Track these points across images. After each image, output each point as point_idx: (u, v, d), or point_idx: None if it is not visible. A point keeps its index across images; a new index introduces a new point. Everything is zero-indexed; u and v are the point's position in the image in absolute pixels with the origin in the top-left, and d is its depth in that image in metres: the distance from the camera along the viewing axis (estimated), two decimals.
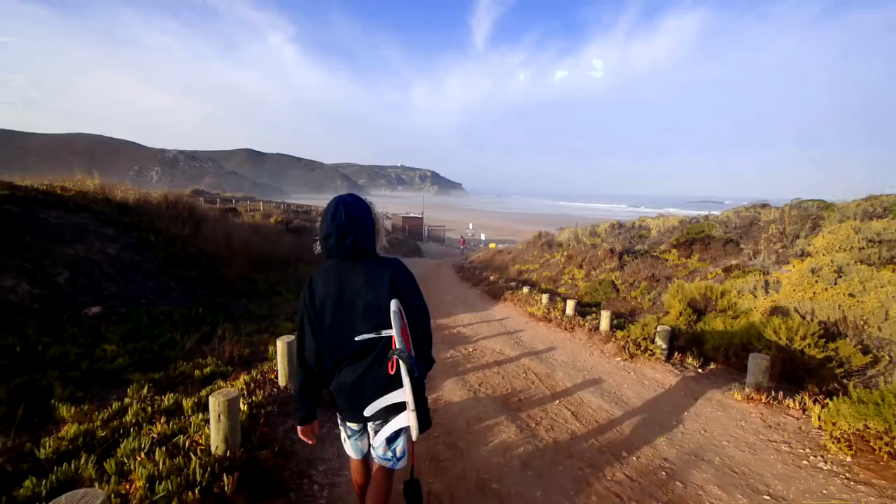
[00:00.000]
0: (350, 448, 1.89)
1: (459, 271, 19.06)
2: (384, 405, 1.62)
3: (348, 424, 1.82)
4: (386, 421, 1.69)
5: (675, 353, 5.01)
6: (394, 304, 1.58)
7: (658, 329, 5.01)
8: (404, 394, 1.52)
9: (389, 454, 1.76)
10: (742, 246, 10.58)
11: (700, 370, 4.73)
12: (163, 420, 2.97)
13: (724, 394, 4.06)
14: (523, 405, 3.97)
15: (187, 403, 3.31)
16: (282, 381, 3.80)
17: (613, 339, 5.67)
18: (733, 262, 9.64)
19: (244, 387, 3.67)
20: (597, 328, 6.24)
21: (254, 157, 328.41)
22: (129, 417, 3.07)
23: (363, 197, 1.72)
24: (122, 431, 2.89)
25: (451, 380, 4.65)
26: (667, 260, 11.18)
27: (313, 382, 1.74)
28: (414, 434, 1.51)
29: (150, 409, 3.24)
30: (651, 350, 4.93)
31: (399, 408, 1.63)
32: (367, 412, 1.64)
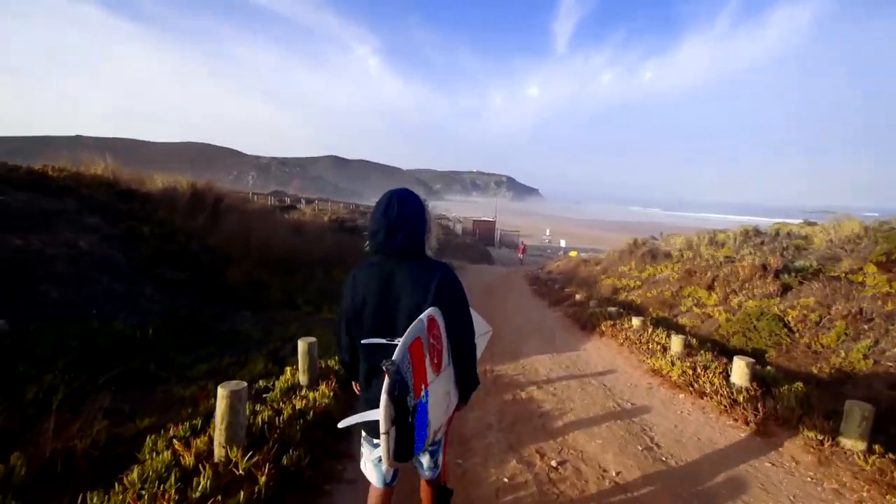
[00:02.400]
0: (373, 472, 1.64)
1: (534, 283, 15.82)
2: (358, 421, 1.48)
3: (375, 443, 1.58)
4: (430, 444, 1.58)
5: None
6: (427, 312, 1.41)
7: None
8: (379, 412, 1.26)
9: (433, 463, 1.72)
10: None
11: None
12: None
13: None
14: None
15: None
16: None
17: None
18: None
19: None
20: (832, 439, 2.89)
21: (338, 163, 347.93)
22: None
23: (418, 194, 1.61)
24: None
25: None
26: (862, 284, 7.16)
27: (350, 365, 1.67)
28: (384, 462, 1.31)
29: None
30: None
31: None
32: (341, 424, 1.53)
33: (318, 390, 3.32)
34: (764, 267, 8.14)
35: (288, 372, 3.69)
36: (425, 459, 1.71)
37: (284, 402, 3.08)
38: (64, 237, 6.42)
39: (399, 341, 1.33)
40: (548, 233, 59.40)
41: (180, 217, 8.85)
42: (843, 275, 7.77)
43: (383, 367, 1.25)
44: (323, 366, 3.98)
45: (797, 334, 6.15)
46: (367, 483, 1.69)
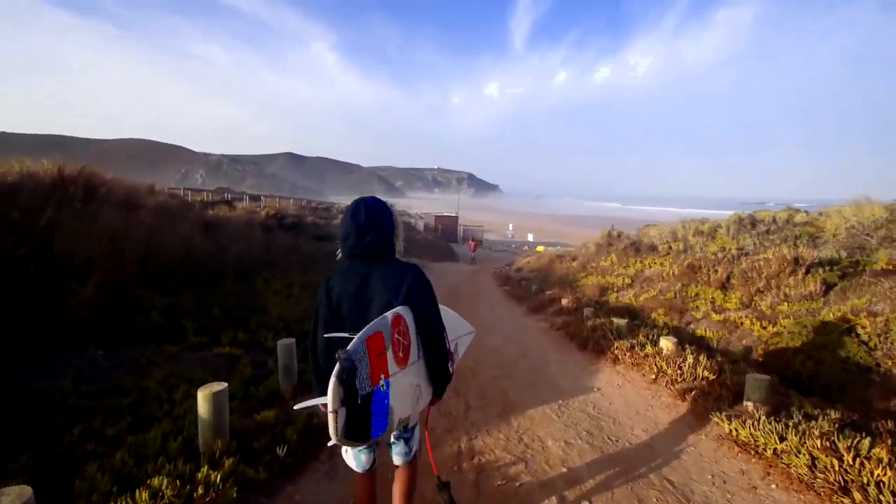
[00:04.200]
0: (353, 460, 1.77)
1: (504, 283, 13.96)
2: (311, 404, 1.62)
3: None
4: (403, 432, 1.77)
5: None
6: (394, 310, 1.51)
7: None
8: (328, 395, 1.32)
9: (406, 449, 1.79)
10: None
11: None
12: None
13: None
14: None
15: None
16: None
17: None
18: None
19: None
20: None
21: (294, 160, 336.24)
22: None
23: (385, 200, 1.70)
24: None
25: None
26: None
27: (326, 373, 1.50)
28: (332, 439, 1.34)
29: None
30: None
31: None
32: (296, 407, 1.67)
33: None
34: (796, 260, 6.56)
35: None
36: (399, 446, 1.79)
37: None
38: None
39: (358, 334, 1.40)
40: (511, 228, 58.40)
41: (25, 213, 6.25)
42: (893, 267, 6.30)
43: (336, 357, 1.31)
44: None
45: (880, 353, 4.51)
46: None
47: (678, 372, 4.02)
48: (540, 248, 28.87)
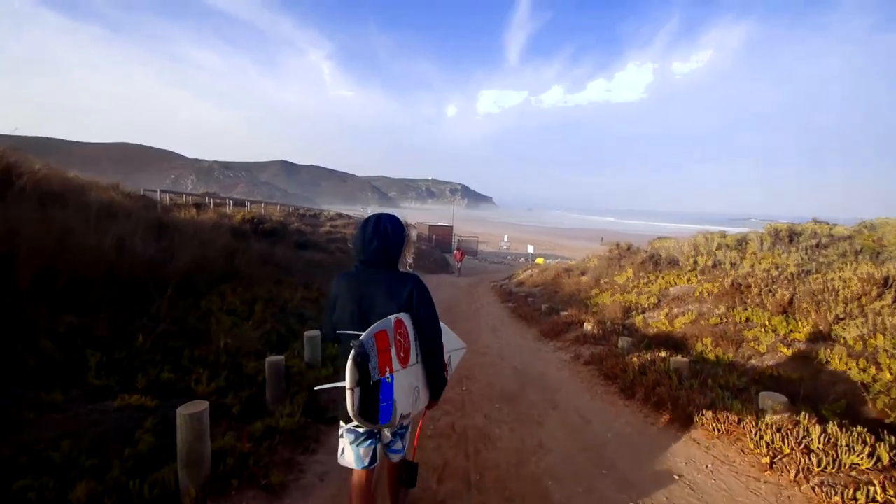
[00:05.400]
0: (352, 456, 1.78)
1: (507, 299, 12.51)
2: (332, 386, 1.64)
3: (355, 428, 1.77)
4: (399, 429, 1.88)
5: None
6: (396, 315, 1.64)
7: None
8: (346, 374, 1.48)
9: (400, 446, 1.91)
10: None
11: None
12: None
13: None
14: None
15: None
16: None
17: None
18: None
19: None
20: None
21: (288, 168, 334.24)
22: None
23: (400, 217, 1.81)
24: None
25: None
26: None
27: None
28: (349, 410, 1.49)
29: None
30: None
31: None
32: (317, 388, 1.84)
33: None
34: (886, 281, 5.23)
35: None
36: (396, 444, 1.90)
37: None
38: None
39: (366, 332, 1.55)
40: (506, 239, 57.23)
41: None
42: None
43: (351, 345, 1.48)
44: None
45: None
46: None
47: (807, 456, 2.61)
48: (540, 261, 27.57)
